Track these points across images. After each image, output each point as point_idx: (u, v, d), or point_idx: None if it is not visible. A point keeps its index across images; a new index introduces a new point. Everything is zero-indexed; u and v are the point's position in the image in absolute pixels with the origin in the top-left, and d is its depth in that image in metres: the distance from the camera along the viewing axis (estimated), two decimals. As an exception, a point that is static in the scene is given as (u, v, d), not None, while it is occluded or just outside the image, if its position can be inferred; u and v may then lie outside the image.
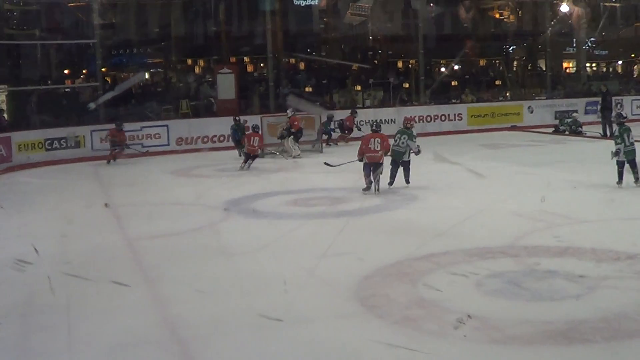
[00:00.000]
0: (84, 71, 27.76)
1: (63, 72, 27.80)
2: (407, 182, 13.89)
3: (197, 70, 29.51)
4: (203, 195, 14.19)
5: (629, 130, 13.19)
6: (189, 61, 29.69)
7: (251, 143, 17.89)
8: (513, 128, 25.56)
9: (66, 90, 26.72)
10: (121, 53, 29.13)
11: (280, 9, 27.05)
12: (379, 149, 13.27)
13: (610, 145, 13.39)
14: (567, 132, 23.48)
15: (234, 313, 7.09)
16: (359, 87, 27.92)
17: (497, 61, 33.68)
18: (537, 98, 28.57)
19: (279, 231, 10.81)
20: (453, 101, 27.73)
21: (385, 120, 22.55)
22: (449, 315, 6.82)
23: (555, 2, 30.33)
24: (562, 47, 33.02)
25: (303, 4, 28.83)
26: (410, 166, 13.95)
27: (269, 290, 7.83)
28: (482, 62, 33.15)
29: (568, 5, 29.71)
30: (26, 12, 26.33)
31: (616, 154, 13.00)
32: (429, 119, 24.97)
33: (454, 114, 25.78)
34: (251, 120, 20.38)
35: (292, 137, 19.80)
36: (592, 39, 32.92)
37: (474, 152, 19.69)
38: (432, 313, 6.92)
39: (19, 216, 12.73)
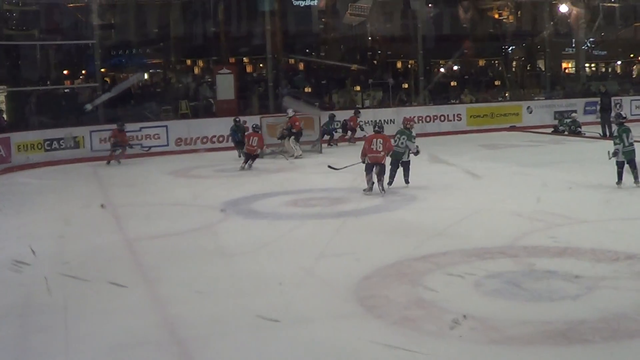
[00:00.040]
0: (83, 72, 27.75)
1: (62, 72, 27.79)
2: (407, 182, 13.90)
3: (196, 70, 29.51)
4: (202, 195, 14.19)
5: (628, 130, 13.19)
6: (188, 62, 29.68)
7: (250, 143, 17.90)
8: (512, 128, 25.57)
9: (65, 90, 26.73)
10: (120, 53, 29.11)
11: (280, 9, 27.07)
12: (381, 149, 13.26)
13: (609, 145, 13.38)
14: (566, 133, 23.49)
15: (233, 313, 7.09)
16: (358, 88, 27.93)
17: (496, 61, 33.69)
18: (536, 98, 28.57)
19: (278, 231, 10.81)
20: (452, 101, 27.74)
21: (384, 120, 22.50)
22: (448, 315, 6.82)
23: (554, 2, 30.33)
24: (561, 48, 33.03)
25: (302, 4, 28.83)
26: (410, 166, 13.97)
27: (268, 291, 7.83)
28: (481, 63, 33.16)
29: (567, 6, 29.72)
30: (25, 12, 26.33)
31: (615, 154, 13.01)
32: (428, 119, 24.97)
33: (453, 115, 25.78)
34: (250, 120, 20.37)
35: (293, 137, 19.80)
36: (591, 39, 32.94)
37: (473, 153, 19.69)
38: (431, 313, 6.92)
39: (18, 217, 12.74)
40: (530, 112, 26.70)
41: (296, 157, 19.37)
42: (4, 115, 22.64)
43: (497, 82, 31.14)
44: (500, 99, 29.08)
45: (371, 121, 19.65)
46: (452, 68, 31.38)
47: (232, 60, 28.09)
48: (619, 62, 36.06)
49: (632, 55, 35.24)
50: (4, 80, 23.99)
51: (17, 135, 19.98)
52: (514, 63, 34.17)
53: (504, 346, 6.21)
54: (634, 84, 32.27)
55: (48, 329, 6.91)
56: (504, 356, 6.06)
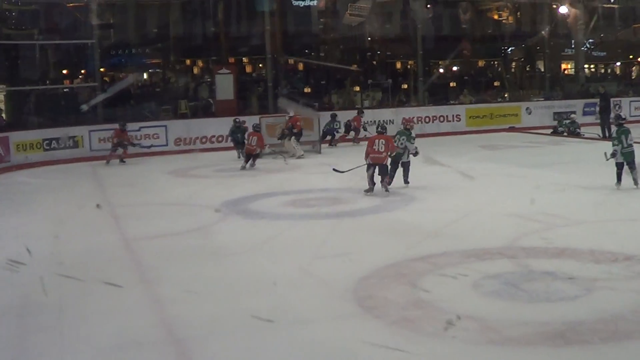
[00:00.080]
0: (82, 71, 27.74)
1: (61, 72, 27.77)
2: (406, 182, 13.92)
3: (195, 70, 29.50)
4: (201, 195, 14.20)
5: (627, 131, 13.19)
6: (188, 62, 29.67)
7: (250, 142, 17.92)
8: (511, 129, 25.57)
9: (64, 90, 26.71)
10: (120, 53, 29.09)
11: (279, 9, 27.07)
12: (382, 150, 13.27)
13: (608, 146, 13.39)
14: (565, 134, 23.50)
15: (232, 313, 7.09)
16: (357, 88, 27.93)
17: (495, 62, 33.71)
18: (535, 99, 28.60)
19: (277, 232, 10.80)
20: (451, 102, 27.75)
21: (383, 121, 22.47)
22: (446, 316, 6.81)
23: (553, 3, 30.35)
24: (561, 49, 33.05)
25: (302, 4, 28.84)
26: (410, 167, 13.99)
27: (267, 291, 7.83)
28: (480, 63, 33.19)
29: (566, 7, 29.74)
30: (24, 12, 26.31)
31: (613, 155, 13.02)
32: (427, 119, 24.98)
33: (452, 115, 25.79)
34: (250, 121, 20.34)
35: (294, 137, 19.81)
36: (590, 40, 32.96)
37: (472, 153, 19.70)
38: (429, 314, 6.92)
39: (16, 216, 12.73)
40: (530, 113, 26.71)
41: (298, 157, 19.37)
42: (3, 115, 22.64)
43: (496, 83, 31.16)
44: (499, 99, 29.09)
45: (374, 121, 19.67)
46: (449, 69, 31.38)
47: (231, 60, 28.10)
48: (618, 64, 36.09)
49: (631, 57, 35.26)
50: (3, 80, 24.00)
51: (16, 134, 19.97)
52: (513, 64, 34.19)
53: (502, 347, 6.21)
54: (633, 85, 32.30)
55: (46, 329, 6.90)
56: (502, 357, 6.06)
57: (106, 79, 26.12)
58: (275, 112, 22.88)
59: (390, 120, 23.21)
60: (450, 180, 14.84)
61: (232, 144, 20.25)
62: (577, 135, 23.12)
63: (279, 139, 19.97)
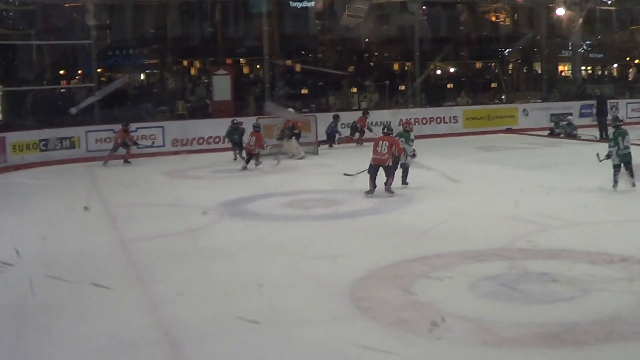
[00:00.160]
0: (79, 72, 27.73)
1: (58, 72, 27.75)
2: (405, 183, 13.94)
3: (192, 71, 29.49)
4: (198, 196, 14.18)
5: (624, 133, 13.20)
6: (185, 62, 29.66)
7: (249, 142, 17.96)
8: (508, 131, 25.58)
9: (61, 91, 26.68)
10: (117, 54, 29.08)
11: (276, 11, 27.06)
12: (385, 151, 13.26)
13: (605, 148, 13.42)
14: (562, 135, 23.53)
15: (228, 315, 7.06)
16: (354, 89, 27.93)
17: (492, 64, 33.74)
18: (532, 101, 28.62)
19: (273, 233, 10.80)
20: (448, 104, 27.76)
21: (380, 122, 22.47)
22: (444, 317, 6.82)
23: (551, 5, 30.39)
24: (558, 51, 33.09)
25: (299, 6, 28.84)
26: (410, 168, 14.00)
27: (263, 292, 7.82)
28: (478, 65, 33.21)
29: (563, 9, 29.77)
30: (22, 12, 26.29)
31: (608, 156, 13.05)
32: (424, 121, 24.96)
33: (450, 117, 25.81)
34: (247, 122, 20.31)
35: (294, 138, 19.81)
36: (587, 42, 33.00)
37: (469, 155, 19.73)
38: (426, 315, 6.91)
39: (13, 217, 12.71)
40: (527, 115, 26.73)
41: (299, 158, 19.36)
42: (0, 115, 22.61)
43: (493, 85, 31.17)
44: (496, 101, 29.11)
45: (379, 122, 19.67)
46: (446, 70, 31.40)
47: (228, 61, 28.09)
48: (615, 65, 36.13)
49: (628, 59, 35.31)
50: (0, 80, 23.94)
51: (13, 135, 19.93)
52: (511, 65, 34.23)
53: (498, 348, 6.22)
54: (629, 87, 32.35)
55: (41, 330, 6.89)
56: (498, 358, 6.07)
57: (103, 79, 26.09)
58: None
59: (387, 122, 23.18)
60: (448, 181, 14.83)
61: (229, 145, 20.23)
62: (574, 136, 23.15)
63: (278, 139, 19.94)
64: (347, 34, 28.52)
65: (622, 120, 14.00)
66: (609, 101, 24.41)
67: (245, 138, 19.06)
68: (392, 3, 29.61)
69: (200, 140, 22.35)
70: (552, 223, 10.72)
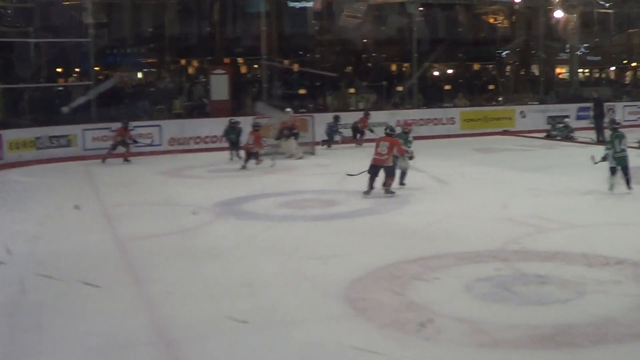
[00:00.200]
0: (77, 70, 27.69)
1: (56, 70, 27.70)
2: (402, 184, 13.95)
3: (190, 70, 29.46)
4: (194, 196, 14.17)
5: (621, 136, 13.23)
6: (183, 61, 29.64)
7: (247, 141, 17.97)
8: (505, 132, 25.61)
9: (59, 89, 26.63)
10: (115, 52, 29.04)
11: (275, 10, 27.06)
12: (384, 152, 13.28)
13: (601, 151, 13.45)
14: (558, 137, 23.57)
15: (223, 314, 7.06)
16: (352, 90, 27.94)
17: (490, 66, 33.78)
18: (529, 103, 28.66)
19: (270, 233, 10.81)
20: (446, 105, 27.77)
21: (377, 123, 22.51)
22: (438, 318, 6.84)
23: (549, 8, 30.43)
24: (555, 53, 33.13)
25: (297, 6, 28.84)
26: (408, 169, 14.02)
27: (259, 292, 7.83)
28: (475, 67, 33.24)
29: (561, 12, 29.82)
30: (20, 9, 26.24)
31: (603, 159, 13.07)
32: (421, 122, 24.95)
33: (447, 118, 25.84)
34: (245, 121, 20.29)
35: (293, 137, 19.82)
36: (585, 45, 33.05)
37: (466, 156, 19.75)
38: (421, 316, 6.92)
39: (9, 215, 12.68)
40: (524, 117, 26.76)
41: (298, 158, 19.36)
42: (-4, 113, 22.58)
43: (491, 87, 31.21)
44: (494, 103, 29.14)
45: (378, 123, 19.67)
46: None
47: (226, 60, 28.08)
48: (612, 68, 36.18)
49: (625, 62, 35.36)
50: (-2, 78, 23.92)
51: (9, 132, 19.91)
52: (508, 67, 34.27)
53: (493, 350, 6.23)
54: (627, 90, 32.40)
55: (36, 329, 6.88)
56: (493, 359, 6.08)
57: (101, 77, 26.05)
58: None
59: (384, 123, 23.20)
60: (444, 182, 14.85)
61: (227, 145, 20.19)
62: (571, 139, 23.19)
63: (276, 139, 19.92)
64: (345, 34, 28.53)
65: (619, 123, 14.02)
66: (605, 104, 24.44)
67: (243, 138, 19.06)
68: (390, 4, 29.63)
69: (198, 140, 22.33)
70: (547, 225, 10.74)
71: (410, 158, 14.04)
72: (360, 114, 23.34)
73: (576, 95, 29.12)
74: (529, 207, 12.00)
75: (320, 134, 21.98)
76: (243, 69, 29.56)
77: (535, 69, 33.21)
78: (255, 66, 28.33)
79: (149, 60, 30.08)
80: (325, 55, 30.01)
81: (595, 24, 32.77)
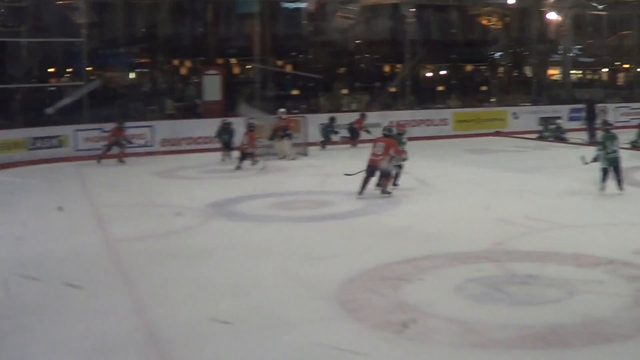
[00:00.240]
0: (69, 70, 27.59)
1: (48, 70, 27.61)
2: (395, 184, 13.95)
3: (183, 71, 29.40)
4: (186, 197, 14.12)
5: (613, 137, 13.25)
6: (176, 62, 29.58)
7: (242, 142, 17.96)
8: (497, 134, 25.62)
9: (51, 89, 26.53)
10: (107, 52, 28.95)
11: (268, 11, 27.03)
12: (379, 153, 13.29)
13: (593, 152, 13.48)
14: (551, 139, 23.60)
15: (214, 316, 7.03)
16: (345, 91, 27.91)
17: (483, 67, 33.82)
18: (521, 104, 28.69)
19: (261, 234, 10.80)
20: (439, 106, 27.78)
21: (371, 124, 22.51)
22: (429, 319, 6.84)
23: (541, 10, 30.49)
24: (548, 54, 33.20)
25: (291, 7, 28.81)
26: (402, 170, 14.01)
27: (250, 294, 7.81)
28: (468, 68, 33.28)
29: (554, 13, 29.89)
30: (12, 9, 26.14)
31: (594, 159, 13.09)
32: (414, 123, 24.92)
33: (440, 119, 25.84)
34: (237, 122, 20.25)
35: (287, 138, 19.80)
36: (577, 46, 33.12)
37: (459, 157, 19.75)
38: (410, 317, 6.91)
39: (1, 216, 12.62)
40: (516, 118, 26.79)
41: (291, 159, 19.34)
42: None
43: (483, 88, 31.24)
44: (486, 104, 29.17)
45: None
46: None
47: (219, 61, 28.03)
48: (605, 70, 36.26)
49: (617, 63, 35.44)
50: (-11, 78, 23.82)
51: (0, 133, 19.81)
52: (501, 69, 34.32)
53: (485, 350, 6.24)
54: (619, 91, 32.47)
55: (25, 331, 6.84)
56: (484, 360, 6.08)
57: (93, 78, 25.96)
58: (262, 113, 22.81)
59: (377, 124, 23.17)
60: (437, 183, 14.85)
61: (219, 145, 20.14)
62: (563, 140, 23.23)
63: (269, 139, 19.88)
64: (338, 35, 28.51)
65: (611, 124, 14.05)
66: (598, 105, 24.49)
67: (236, 138, 19.00)
68: (383, 5, 29.63)
69: (190, 141, 22.27)
70: (539, 225, 10.75)
71: (404, 159, 14.02)
72: (356, 115, 23.32)
73: (568, 97, 29.17)
74: (521, 208, 12.02)
75: (313, 134, 21.92)
76: (236, 70, 29.51)
77: (527, 71, 33.25)
78: (248, 67, 28.28)
79: (142, 61, 29.99)
80: (318, 56, 29.97)
81: (588, 25, 32.83)
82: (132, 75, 29.31)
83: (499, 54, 33.49)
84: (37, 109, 22.75)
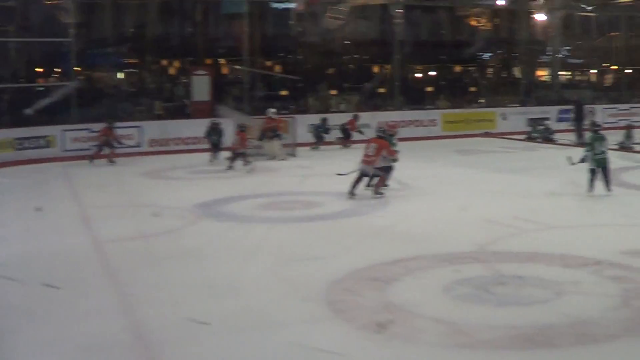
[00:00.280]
0: (57, 70, 27.47)
1: (36, 70, 27.48)
2: (385, 185, 13.93)
3: (172, 71, 29.32)
4: (174, 197, 14.07)
5: (602, 138, 13.29)
6: (164, 62, 29.50)
7: (233, 142, 17.93)
8: (486, 134, 25.68)
9: (39, 89, 26.41)
10: (95, 52, 28.83)
11: (257, 12, 27.00)
12: (372, 154, 13.31)
13: (580, 153, 13.53)
14: (539, 139, 23.69)
15: (202, 317, 7.00)
16: (334, 92, 27.91)
17: (472, 68, 33.90)
18: (510, 105, 28.78)
19: (250, 235, 10.75)
20: (428, 107, 27.83)
21: (360, 124, 22.54)
22: (417, 320, 6.84)
23: (530, 11, 30.59)
24: (537, 56, 33.31)
25: (280, 7, 28.79)
26: (392, 171, 14.01)
27: (237, 295, 7.78)
28: (457, 69, 33.34)
29: (543, 15, 29.99)
30: (0, 8, 26.00)
31: (582, 160, 13.13)
32: (403, 124, 24.93)
33: (429, 120, 25.88)
34: (226, 122, 20.20)
35: (277, 139, 19.77)
36: (566, 47, 33.25)
37: (447, 158, 19.79)
38: (400, 317, 6.92)
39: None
40: (505, 119, 26.86)
41: (280, 160, 19.31)
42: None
43: (472, 89, 31.30)
44: (475, 105, 29.23)
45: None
46: (426, 73, 31.52)
47: (208, 61, 27.97)
48: (593, 71, 36.41)
49: (606, 64, 35.60)
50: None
51: (-13, 133, 19.73)
52: (490, 70, 34.40)
53: (472, 350, 6.23)
54: (607, 92, 32.63)
55: (10, 333, 6.78)
56: (472, 360, 6.08)
57: (81, 78, 25.84)
58: (251, 114, 22.77)
59: (366, 124, 23.20)
60: (426, 184, 14.86)
61: (208, 146, 20.07)
62: (551, 141, 23.31)
63: (258, 140, 19.85)
64: (328, 35, 28.51)
65: (600, 125, 14.09)
66: (586, 106, 24.59)
67: (226, 139, 18.97)
68: (372, 6, 29.65)
69: (178, 141, 22.20)
70: (527, 226, 10.77)
71: (394, 160, 14.01)
72: (345, 115, 23.32)
73: (557, 98, 29.28)
74: (509, 209, 12.04)
75: (302, 135, 21.91)
76: (224, 70, 29.45)
77: (516, 72, 33.35)
78: (237, 67, 28.22)
79: (130, 61, 29.89)
80: (307, 57, 29.97)
81: (577, 27, 32.97)
82: (120, 76, 29.21)
83: (488, 55, 33.58)
84: (24, 109, 22.64)
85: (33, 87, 25.76)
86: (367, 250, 9.55)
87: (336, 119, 23.12)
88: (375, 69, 31.18)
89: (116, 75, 29.00)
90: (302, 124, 22.25)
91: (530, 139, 24.10)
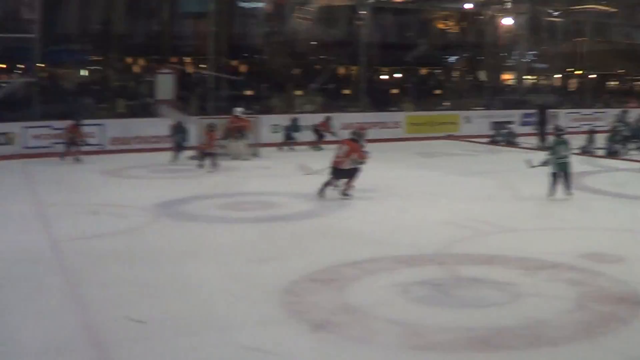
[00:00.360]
0: (20, 66, 27.02)
1: (-2, 66, 27.04)
2: (352, 186, 13.91)
3: (136, 69, 28.99)
4: (134, 196, 13.88)
5: (564, 143, 13.39)
6: (129, 59, 29.16)
7: (202, 142, 17.95)
8: (449, 137, 25.78)
9: (1, 85, 25.96)
10: (59, 49, 28.41)
11: (225, 10, 26.84)
12: (342, 155, 13.37)
13: (542, 157, 13.62)
14: (502, 143, 23.85)
15: (156, 318, 6.90)
16: (299, 92, 27.84)
17: (438, 70, 34.05)
18: (474, 108, 28.94)
19: (207, 235, 10.66)
20: (392, 109, 27.88)
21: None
22: (373, 321, 6.80)
23: (497, 15, 30.81)
24: (503, 60, 33.57)
25: (248, 6, 28.65)
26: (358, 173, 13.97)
27: (192, 295, 7.69)
28: (423, 71, 33.46)
29: (510, 19, 30.24)
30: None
31: (544, 164, 13.21)
32: (367, 126, 24.92)
33: (393, 122, 25.93)
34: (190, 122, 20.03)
35: (242, 139, 19.68)
36: (532, 52, 33.55)
37: (409, 160, 19.86)
38: (356, 319, 6.88)
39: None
40: (468, 122, 27.01)
41: (243, 160, 19.20)
42: None
43: (438, 91, 31.43)
44: (439, 107, 29.35)
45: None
46: (391, 75, 31.55)
47: (173, 60, 27.72)
48: (557, 75, 36.77)
49: (570, 69, 35.97)
50: None
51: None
52: (455, 73, 34.59)
53: (428, 352, 6.21)
54: (570, 97, 32.99)
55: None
56: (426, 362, 6.05)
57: (43, 75, 25.45)
58: (215, 113, 22.64)
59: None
60: (387, 186, 14.82)
61: (171, 145, 19.87)
62: (514, 144, 23.48)
63: (221, 139, 19.69)
64: (295, 36, 28.44)
65: (563, 130, 14.20)
66: (549, 111, 24.81)
67: (190, 138, 18.83)
68: (340, 7, 29.64)
69: (140, 140, 21.94)
70: (486, 229, 10.81)
71: (361, 162, 13.96)
72: (316, 116, 23.28)
73: (521, 102, 29.52)
74: (469, 211, 12.08)
75: (266, 135, 21.82)
76: (190, 69, 29.21)
77: (482, 75, 33.57)
78: (203, 66, 28.02)
79: (95, 58, 29.51)
80: (274, 57, 29.85)
81: (543, 31, 33.29)
82: (84, 73, 28.83)
83: (454, 58, 33.75)
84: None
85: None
86: (326, 251, 9.49)
87: (307, 120, 23.03)
88: (342, 71, 31.18)
89: (80, 72, 28.61)
90: (266, 124, 22.17)
91: (493, 142, 24.27)
